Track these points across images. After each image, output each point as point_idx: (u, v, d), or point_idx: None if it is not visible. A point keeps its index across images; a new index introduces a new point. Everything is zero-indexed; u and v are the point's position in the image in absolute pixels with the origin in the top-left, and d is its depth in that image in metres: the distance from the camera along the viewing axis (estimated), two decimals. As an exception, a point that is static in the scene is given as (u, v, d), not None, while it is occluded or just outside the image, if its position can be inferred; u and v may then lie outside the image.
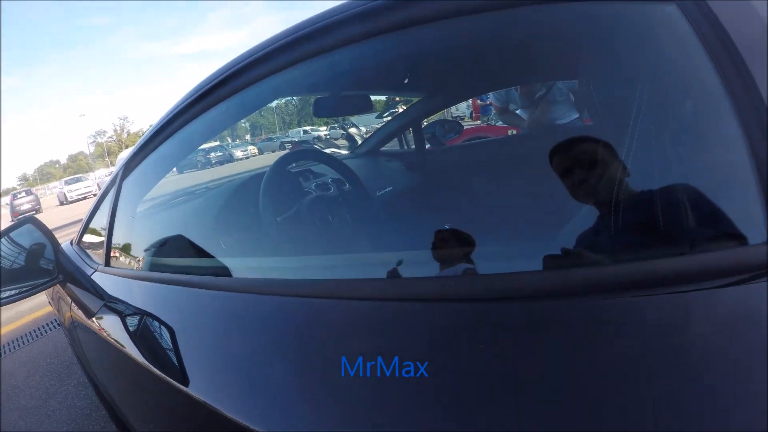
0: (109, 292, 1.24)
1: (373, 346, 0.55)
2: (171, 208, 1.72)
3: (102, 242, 1.48)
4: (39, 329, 4.57)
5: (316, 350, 0.61)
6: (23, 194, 25.98)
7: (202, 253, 1.19)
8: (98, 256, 1.48)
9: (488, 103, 1.87)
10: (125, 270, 1.32)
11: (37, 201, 25.45)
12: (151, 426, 1.28)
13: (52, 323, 4.61)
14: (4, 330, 4.94)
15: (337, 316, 0.62)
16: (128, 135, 74.97)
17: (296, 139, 2.36)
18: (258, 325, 0.72)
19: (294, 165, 1.44)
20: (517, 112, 1.60)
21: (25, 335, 4.51)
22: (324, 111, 1.58)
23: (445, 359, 0.49)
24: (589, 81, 0.89)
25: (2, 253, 1.25)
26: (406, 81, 1.37)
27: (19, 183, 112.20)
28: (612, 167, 0.53)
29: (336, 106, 1.54)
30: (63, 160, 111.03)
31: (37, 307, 5.32)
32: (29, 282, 1.23)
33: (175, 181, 1.66)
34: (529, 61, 0.98)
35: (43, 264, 1.25)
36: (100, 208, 1.65)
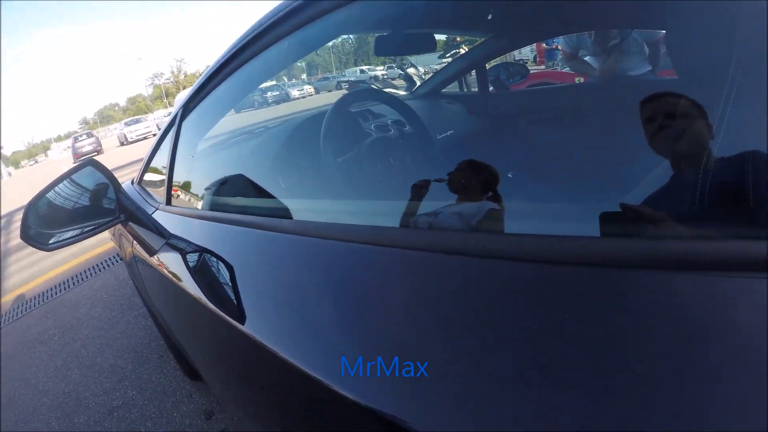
0: (170, 230, 1.26)
1: (426, 297, 0.53)
2: (230, 147, 1.72)
3: (163, 181, 1.51)
4: (102, 264, 4.80)
5: (370, 297, 0.59)
6: (84, 137, 26.84)
7: (261, 193, 1.19)
8: (159, 195, 1.51)
9: (554, 47, 1.77)
10: (185, 209, 1.34)
11: (98, 143, 26.29)
12: (206, 357, 1.34)
13: (114, 258, 4.83)
14: (67, 267, 5.21)
15: (393, 265, 0.59)
16: (185, 76, 75.90)
17: (353, 79, 2.34)
18: (315, 269, 0.71)
19: (354, 105, 1.41)
20: (586, 59, 1.51)
21: (88, 270, 4.75)
22: (386, 49, 1.53)
23: (498, 318, 0.45)
24: (678, 33, 0.81)
25: (65, 195, 1.30)
26: (474, 20, 1.30)
27: (80, 126, 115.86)
28: (701, 127, 0.47)
29: (398, 45, 1.48)
30: (122, 103, 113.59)
31: (99, 243, 5.59)
32: (92, 222, 1.26)
33: (233, 121, 1.65)
34: (613, 7, 0.90)
35: (105, 204, 1.28)
36: (161, 147, 1.68)
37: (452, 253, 0.52)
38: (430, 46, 1.48)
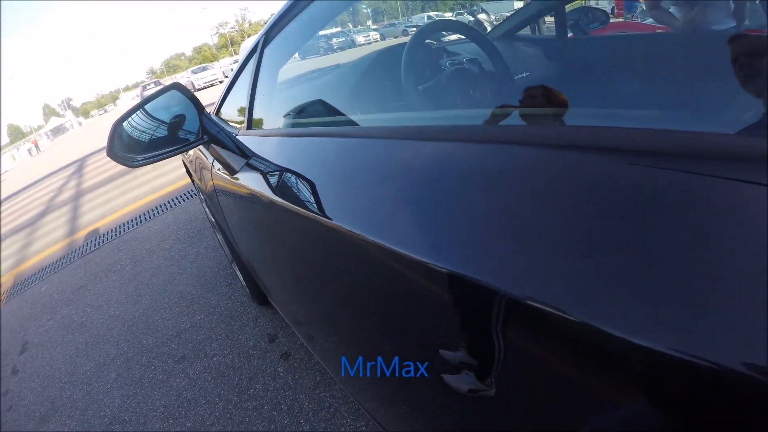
0: (253, 150, 1.30)
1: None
2: (309, 80, 1.75)
3: (242, 109, 1.55)
4: (172, 201, 5.00)
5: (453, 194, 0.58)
6: (152, 86, 27.76)
7: (341, 115, 1.22)
8: (238, 124, 1.58)
9: None
10: (266, 131, 1.38)
11: (166, 91, 26.87)
12: (281, 276, 1.40)
13: (184, 196, 5.02)
14: (138, 204, 5.45)
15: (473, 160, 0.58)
16: (249, 25, 76.45)
17: (420, 25, 2.30)
18: (402, 171, 0.69)
19: (436, 35, 1.41)
20: (670, 9, 1.45)
21: (159, 207, 4.96)
22: None
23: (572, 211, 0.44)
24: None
25: (151, 116, 1.37)
26: None
27: (147, 76, 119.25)
28: None
29: None
30: (188, 53, 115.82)
31: (170, 183, 5.84)
32: (176, 142, 1.32)
33: (305, 64, 1.69)
34: None
35: (188, 127, 1.34)
36: (238, 80, 1.71)
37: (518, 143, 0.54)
38: None
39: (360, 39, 2.38)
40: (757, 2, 0.82)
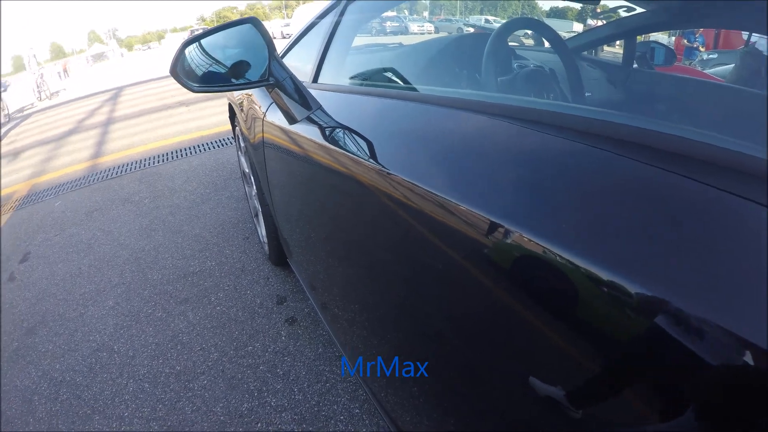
0: (319, 102, 1.26)
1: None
2: (379, 51, 1.73)
3: (311, 60, 1.52)
4: (203, 145, 4.95)
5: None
6: (200, 32, 27.97)
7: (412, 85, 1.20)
8: (303, 74, 1.52)
9: (695, 45, 1.64)
10: (336, 86, 1.34)
11: (215, 39, 27.29)
12: (299, 234, 1.36)
13: (217, 143, 4.96)
14: (168, 142, 5.42)
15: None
16: (307, -8, 77.05)
17: (478, 26, 2.26)
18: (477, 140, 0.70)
19: (518, 33, 1.41)
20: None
21: (189, 148, 4.92)
22: None
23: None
24: None
25: (220, 45, 1.31)
26: None
27: (196, 22, 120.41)
28: None
29: None
30: (241, 8, 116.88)
31: (204, 127, 5.80)
32: (240, 78, 1.26)
33: (365, 39, 1.67)
34: None
35: (254, 65, 1.28)
36: (311, 31, 1.68)
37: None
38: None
39: (414, 27, 2.35)
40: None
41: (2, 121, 11.43)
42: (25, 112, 12.88)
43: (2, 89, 12.94)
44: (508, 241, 0.53)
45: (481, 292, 0.59)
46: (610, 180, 0.48)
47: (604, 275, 0.42)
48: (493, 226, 0.55)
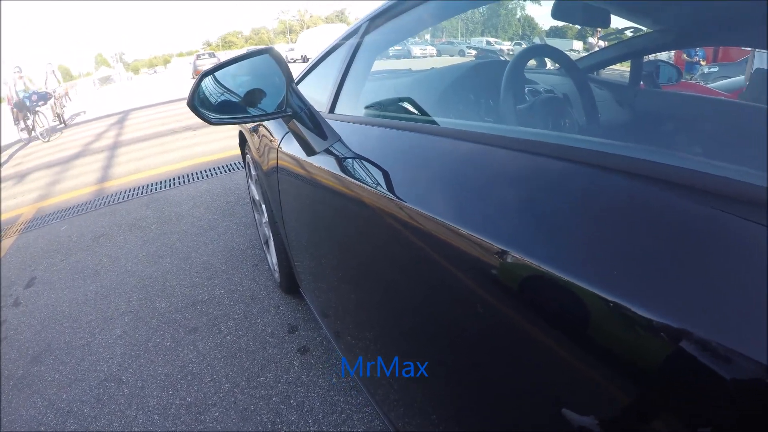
0: (337, 133, 1.24)
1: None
2: (394, 77, 1.72)
3: (327, 89, 1.52)
4: (210, 170, 4.95)
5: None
6: (206, 56, 28.39)
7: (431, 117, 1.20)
8: (319, 104, 1.51)
9: (695, 60, 1.64)
10: (355, 117, 1.33)
11: (218, 63, 27.73)
12: (311, 262, 1.34)
13: (223, 167, 4.96)
14: (175, 167, 5.42)
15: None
16: (310, 17, 78.07)
17: (480, 48, 2.26)
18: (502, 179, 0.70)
19: (535, 60, 1.40)
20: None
21: (196, 173, 4.91)
22: (564, 15, 1.49)
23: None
24: None
25: (237, 77, 1.30)
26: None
27: (202, 46, 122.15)
28: None
29: (576, 13, 1.44)
30: (246, 32, 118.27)
31: (209, 153, 5.82)
32: (257, 110, 1.25)
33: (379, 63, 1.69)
34: None
35: (271, 96, 1.27)
36: (327, 59, 1.68)
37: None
38: (603, 22, 1.44)
39: (416, 51, 2.36)
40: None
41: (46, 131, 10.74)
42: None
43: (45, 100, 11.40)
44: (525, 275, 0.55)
45: (498, 324, 0.60)
46: (626, 208, 0.49)
47: (598, 287, 0.44)
48: (503, 254, 0.57)
